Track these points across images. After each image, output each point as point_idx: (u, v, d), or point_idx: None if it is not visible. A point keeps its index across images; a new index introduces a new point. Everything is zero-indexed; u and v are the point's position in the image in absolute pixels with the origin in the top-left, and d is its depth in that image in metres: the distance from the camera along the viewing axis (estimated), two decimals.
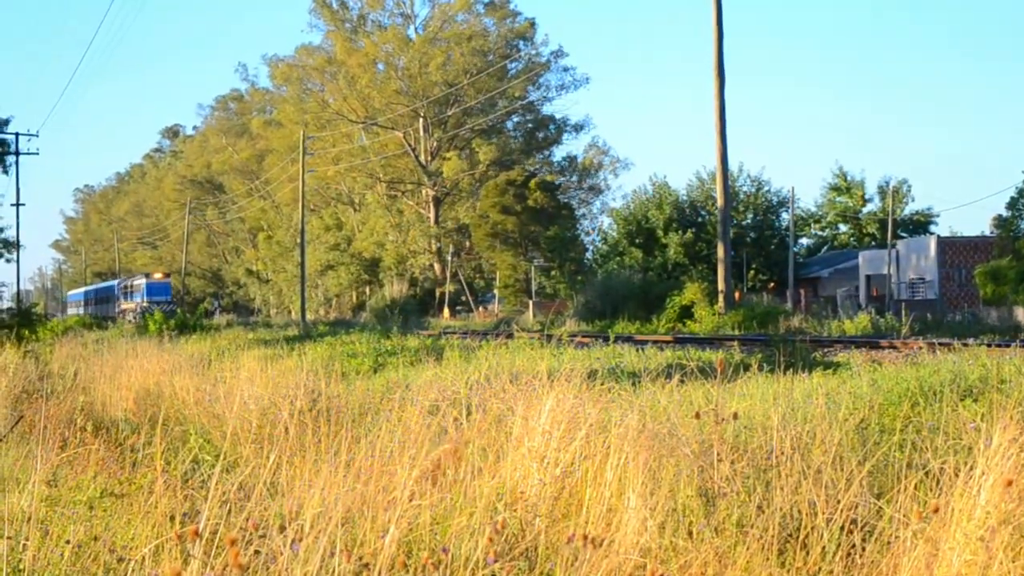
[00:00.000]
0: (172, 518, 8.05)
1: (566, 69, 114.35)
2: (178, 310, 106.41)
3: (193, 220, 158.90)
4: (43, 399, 18.62)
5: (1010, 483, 6.89)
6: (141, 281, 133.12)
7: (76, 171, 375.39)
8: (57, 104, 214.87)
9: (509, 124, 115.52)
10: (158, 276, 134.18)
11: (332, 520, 6.49)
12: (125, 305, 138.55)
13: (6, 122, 62.97)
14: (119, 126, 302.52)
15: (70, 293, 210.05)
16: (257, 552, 6.76)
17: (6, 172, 78.51)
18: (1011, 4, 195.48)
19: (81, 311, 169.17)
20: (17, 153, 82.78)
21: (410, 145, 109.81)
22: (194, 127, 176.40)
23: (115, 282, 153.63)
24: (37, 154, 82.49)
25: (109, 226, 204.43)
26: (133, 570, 7.07)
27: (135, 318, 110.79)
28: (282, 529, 6.83)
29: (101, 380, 25.51)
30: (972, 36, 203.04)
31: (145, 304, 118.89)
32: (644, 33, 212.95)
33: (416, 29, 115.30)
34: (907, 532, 7.26)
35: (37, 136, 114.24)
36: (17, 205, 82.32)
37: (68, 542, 9.44)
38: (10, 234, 76.32)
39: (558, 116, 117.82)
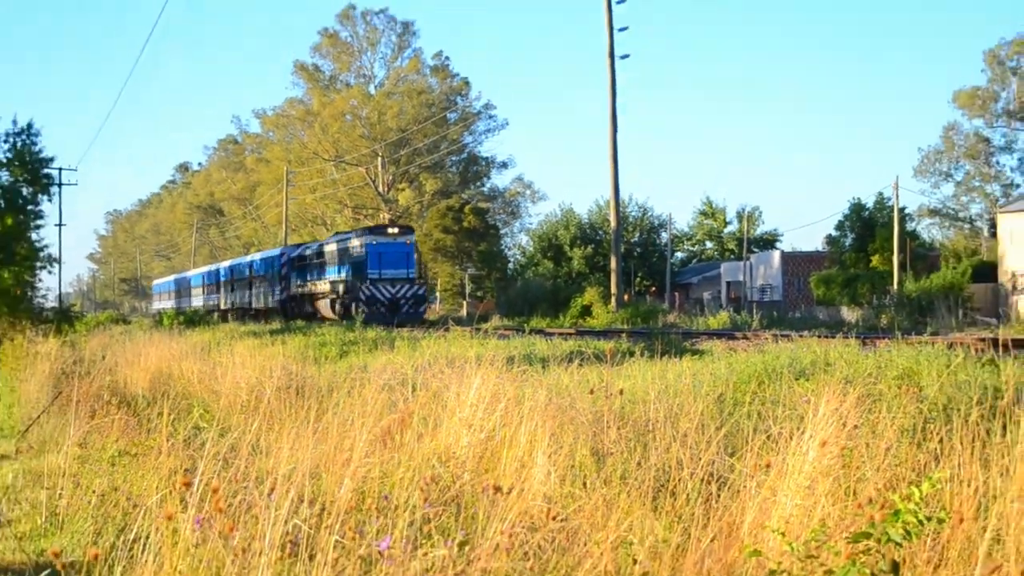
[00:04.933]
0: (175, 472, 7.98)
1: (492, 116, 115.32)
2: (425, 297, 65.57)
3: (199, 237, 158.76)
4: (77, 379, 18.43)
5: (824, 443, 6.93)
6: (356, 241, 63.26)
7: (107, 197, 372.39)
8: (92, 143, 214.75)
9: (449, 162, 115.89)
10: (392, 231, 63.72)
11: (299, 474, 6.46)
12: (310, 286, 71.92)
13: (51, 160, 62.13)
14: (141, 161, 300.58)
15: (155, 283, 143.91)
16: (242, 500, 6.71)
17: (50, 200, 77.51)
18: (844, 56, 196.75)
19: (176, 303, 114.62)
20: (60, 184, 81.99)
21: (371, 178, 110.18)
22: (199, 163, 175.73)
23: (277, 252, 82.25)
24: (76, 184, 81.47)
25: (132, 242, 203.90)
26: (144, 514, 7.00)
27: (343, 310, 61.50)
28: (259, 482, 6.80)
29: (124, 364, 25.28)
30: (812, 88, 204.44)
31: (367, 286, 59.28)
32: (557, 86, 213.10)
33: (375, 87, 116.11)
34: (752, 483, 7.27)
35: (76, 170, 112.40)
36: (60, 226, 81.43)
37: (94, 491, 9.40)
38: (53, 251, 75.39)
39: (487, 155, 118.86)
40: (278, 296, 78.52)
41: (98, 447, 11.79)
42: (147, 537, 6.58)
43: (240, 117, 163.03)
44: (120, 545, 7.06)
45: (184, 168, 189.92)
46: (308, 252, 75.13)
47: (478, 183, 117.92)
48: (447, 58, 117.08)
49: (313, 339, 34.31)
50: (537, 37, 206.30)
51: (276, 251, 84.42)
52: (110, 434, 12.72)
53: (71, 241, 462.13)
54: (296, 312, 73.26)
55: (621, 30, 53.95)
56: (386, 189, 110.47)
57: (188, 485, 6.18)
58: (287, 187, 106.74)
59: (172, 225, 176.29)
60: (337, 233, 76.74)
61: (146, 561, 6.30)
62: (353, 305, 59.76)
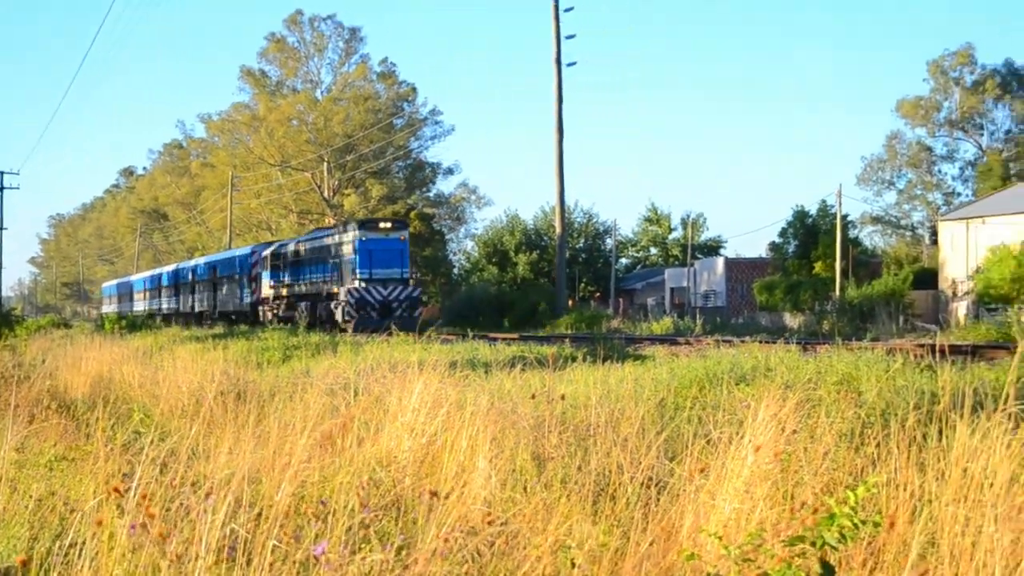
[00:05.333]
0: (113, 477, 7.92)
1: (438, 122, 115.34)
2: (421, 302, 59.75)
3: (142, 242, 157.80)
4: (16, 383, 18.26)
5: (758, 448, 6.96)
6: (343, 237, 55.90)
7: (50, 201, 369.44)
8: (36, 147, 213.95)
9: (395, 167, 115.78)
10: (384, 225, 55.78)
11: (237, 478, 6.44)
12: (286, 287, 64.62)
13: None
14: (85, 165, 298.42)
15: (105, 285, 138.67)
16: (180, 505, 6.68)
17: None
18: (785, 68, 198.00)
19: (138, 306, 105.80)
20: (2, 188, 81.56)
21: (316, 184, 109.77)
22: (144, 168, 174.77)
23: (247, 250, 74.82)
24: (18, 188, 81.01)
25: (75, 246, 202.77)
26: (80, 519, 6.96)
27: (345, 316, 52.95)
28: (197, 487, 6.77)
29: (64, 368, 25.13)
30: (757, 95, 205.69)
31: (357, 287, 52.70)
32: (503, 92, 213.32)
33: (322, 92, 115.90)
34: (691, 487, 7.30)
35: (18, 174, 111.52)
36: (0, 229, 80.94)
37: (31, 496, 9.32)
38: None
39: (433, 161, 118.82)
40: (247, 299, 71.25)
41: (36, 452, 11.68)
42: (83, 542, 6.55)
43: (185, 122, 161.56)
44: (56, 550, 7.01)
45: (128, 172, 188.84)
46: (285, 250, 66.79)
47: (424, 189, 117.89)
48: (394, 64, 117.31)
49: (256, 343, 34.14)
50: (484, 44, 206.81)
51: (246, 249, 76.87)
52: (48, 439, 12.62)
53: (13, 245, 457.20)
54: (271, 315, 66.64)
55: (568, 37, 54.32)
56: (332, 194, 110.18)
57: (117, 491, 6.13)
58: (232, 192, 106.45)
59: (115, 229, 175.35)
60: (319, 228, 70.20)
61: (82, 567, 6.28)
62: (340, 308, 53.91)
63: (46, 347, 35.94)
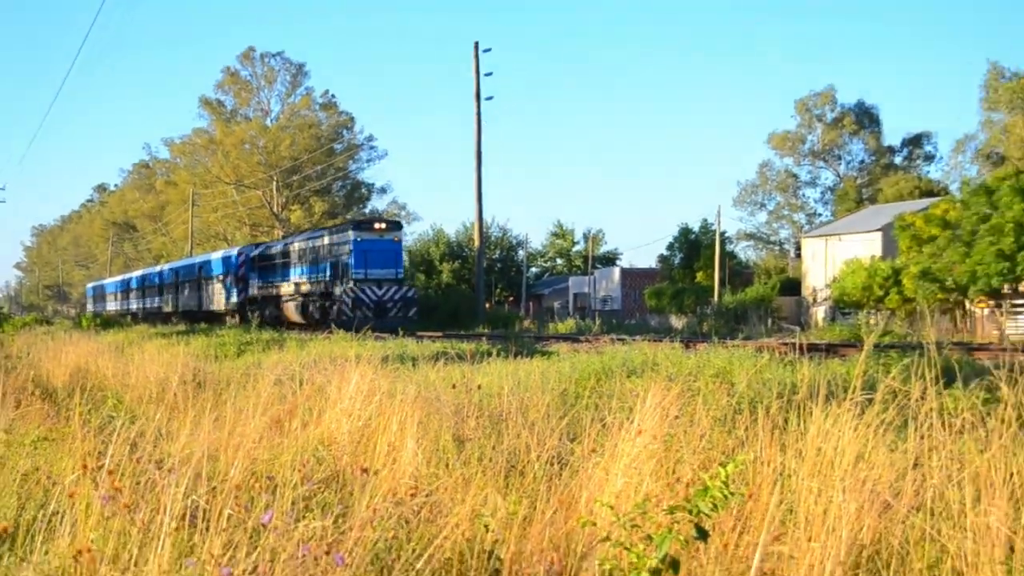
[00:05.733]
0: (89, 455, 7.85)
1: (373, 147, 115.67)
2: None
3: (114, 249, 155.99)
4: (3, 373, 17.99)
5: (640, 432, 7.02)
6: (337, 237, 50.92)
7: (33, 213, 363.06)
8: (19, 165, 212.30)
9: (336, 187, 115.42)
10: (379, 225, 50.63)
11: (196, 456, 6.40)
12: (275, 287, 58.70)
13: None
14: (64, 181, 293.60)
15: (91, 285, 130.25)
16: (147, 479, 6.64)
17: None
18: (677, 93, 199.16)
19: (127, 305, 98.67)
20: None
21: (267, 200, 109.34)
22: (115, 184, 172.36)
23: (233, 251, 68.05)
24: (4, 202, 79.74)
25: (55, 253, 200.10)
26: (61, 491, 6.90)
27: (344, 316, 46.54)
28: (159, 464, 6.73)
29: (46, 360, 24.76)
30: (650, 126, 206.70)
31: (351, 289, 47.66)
32: (434, 121, 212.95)
33: (271, 120, 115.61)
34: (588, 464, 7.34)
35: (3, 189, 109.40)
36: None
37: (18, 471, 9.21)
38: None
39: (369, 182, 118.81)
40: (235, 299, 64.21)
41: (21, 433, 11.51)
42: (64, 512, 6.51)
43: (151, 144, 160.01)
44: (40, 518, 6.95)
45: (101, 188, 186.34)
46: (273, 250, 60.36)
47: (360, 205, 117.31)
48: (334, 96, 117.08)
49: (214, 339, 33.88)
50: (415, 77, 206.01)
51: (232, 250, 69.77)
52: (32, 421, 12.44)
53: (0, 252, 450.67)
54: (260, 316, 55.49)
55: (487, 75, 54.17)
56: (280, 209, 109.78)
57: (86, 468, 6.10)
58: (192, 207, 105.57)
59: (90, 239, 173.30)
60: (314, 228, 63.12)
61: (63, 532, 6.26)
62: (335, 308, 47.99)
63: (30, 342, 35.39)
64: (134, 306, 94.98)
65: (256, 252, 63.06)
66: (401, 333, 33.37)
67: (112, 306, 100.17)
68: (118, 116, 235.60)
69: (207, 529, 5.45)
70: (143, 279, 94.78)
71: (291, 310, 54.71)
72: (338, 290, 47.97)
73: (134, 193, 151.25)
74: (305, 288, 53.12)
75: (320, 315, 49.59)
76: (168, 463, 6.52)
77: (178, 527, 5.50)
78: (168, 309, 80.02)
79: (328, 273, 49.86)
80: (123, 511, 5.77)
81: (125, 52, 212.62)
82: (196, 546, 5.35)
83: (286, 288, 56.24)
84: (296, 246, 55.77)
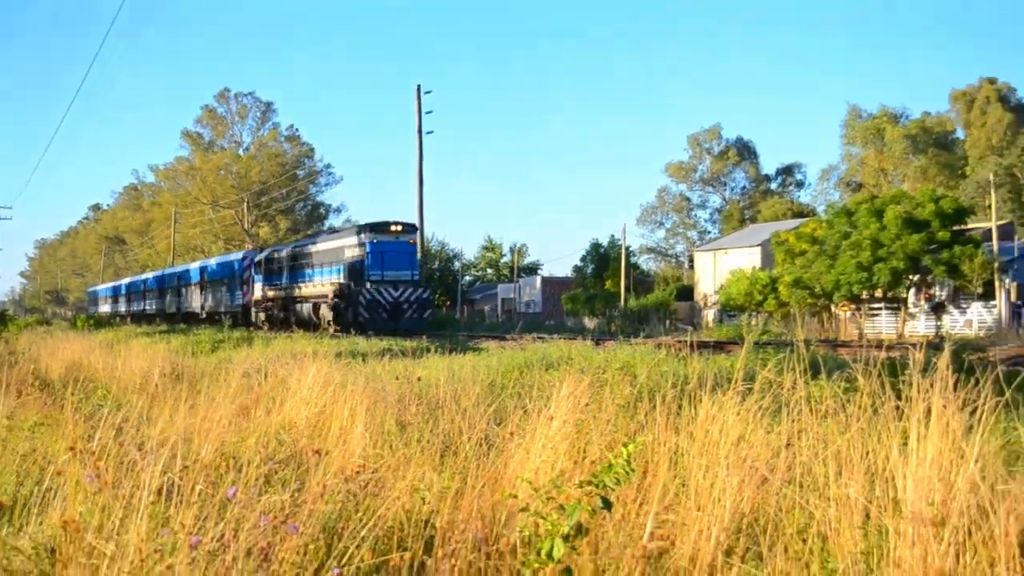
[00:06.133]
0: (80, 439, 7.71)
1: (331, 173, 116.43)
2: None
3: (106, 260, 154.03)
4: (7, 367, 17.63)
5: (551, 419, 7.02)
6: (352, 239, 44.00)
7: (36, 228, 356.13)
8: (25, 187, 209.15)
9: (298, 207, 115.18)
10: (395, 228, 43.12)
11: (173, 439, 6.31)
12: (285, 289, 51.82)
13: None
14: (63, 201, 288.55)
15: (93, 288, 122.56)
16: (131, 459, 6.54)
17: None
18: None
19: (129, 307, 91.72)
20: None
21: (238, 218, 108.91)
22: (108, 204, 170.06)
23: (239, 255, 61.99)
24: (11, 219, 78.35)
25: (55, 263, 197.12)
26: (55, 470, 6.78)
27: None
28: (140, 446, 6.63)
29: (46, 355, 24.33)
30: (567, 153, 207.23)
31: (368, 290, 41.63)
32: (383, 149, 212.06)
33: (243, 150, 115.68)
34: (512, 445, 7.33)
35: (11, 208, 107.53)
36: None
37: (18, 452, 9.03)
38: None
39: (327, 203, 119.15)
40: (239, 300, 57.75)
41: (21, 419, 11.30)
42: (57, 488, 6.42)
43: (139, 170, 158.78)
44: (36, 493, 6.83)
45: (96, 208, 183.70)
46: (280, 254, 53.32)
47: (320, 223, 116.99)
48: (297, 130, 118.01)
49: (191, 338, 33.51)
50: (368, 112, 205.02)
51: (238, 254, 62.88)
52: (31, 409, 12.22)
53: (7, 261, 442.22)
54: (263, 317, 53.55)
55: (427, 113, 53.94)
56: (250, 226, 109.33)
57: (74, 450, 5.99)
58: (174, 223, 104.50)
59: (86, 251, 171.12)
60: (321, 232, 53.59)
61: (56, 506, 6.16)
62: (350, 310, 42.08)
63: (31, 340, 34.77)
64: (132, 307, 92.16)
65: (262, 256, 56.42)
66: (353, 333, 33.01)
67: (116, 308, 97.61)
68: (111, 145, 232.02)
69: (181, 503, 5.37)
70: (146, 282, 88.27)
71: (302, 312, 48.53)
72: (354, 292, 42.17)
73: (124, 212, 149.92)
74: (317, 290, 47.06)
75: (334, 317, 43.81)
76: (148, 445, 6.42)
77: (155, 501, 5.41)
78: (172, 311, 73.28)
79: (343, 275, 44.00)
80: (107, 487, 5.67)
81: (117, 91, 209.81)
82: (171, 518, 5.26)
83: (296, 290, 49.97)
84: (308, 249, 49.52)
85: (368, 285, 41.69)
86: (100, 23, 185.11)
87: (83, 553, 5.14)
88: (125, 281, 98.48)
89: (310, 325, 44.83)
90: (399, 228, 43.14)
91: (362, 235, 43.10)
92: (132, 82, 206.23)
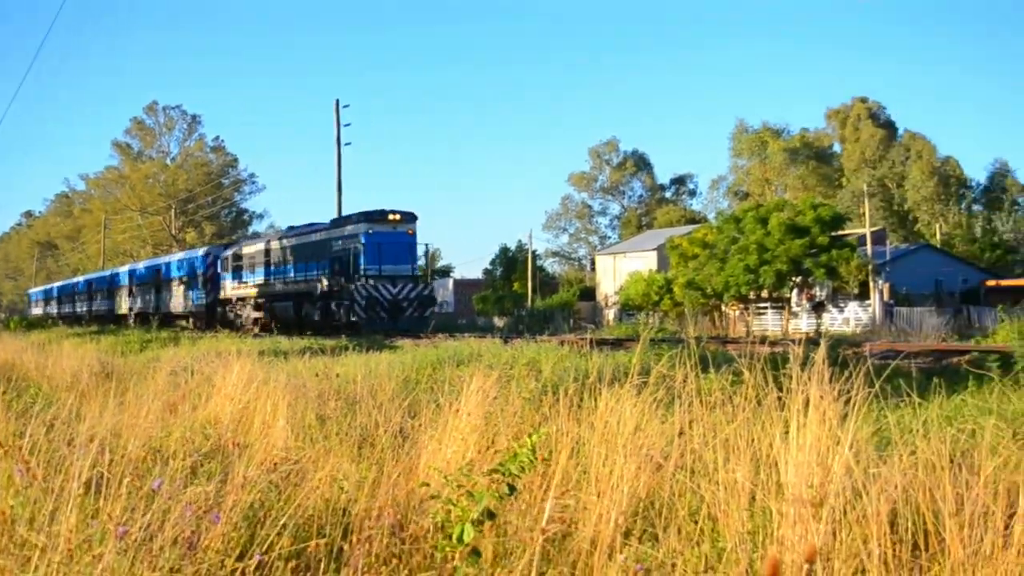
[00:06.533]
0: (11, 436, 7.51)
1: (254, 182, 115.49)
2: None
3: (38, 265, 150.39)
4: None
5: (457, 410, 7.03)
6: (345, 230, 36.79)
7: None
8: None
9: (224, 213, 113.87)
10: (393, 216, 35.64)
11: (102, 434, 6.18)
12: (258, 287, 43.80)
13: None
14: None
15: (32, 290, 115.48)
16: (61, 455, 6.39)
17: None
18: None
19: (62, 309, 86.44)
20: None
21: (166, 225, 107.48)
22: (40, 211, 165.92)
23: (201, 252, 53.43)
24: None
25: None
26: None
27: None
28: (70, 442, 6.47)
29: None
30: (478, 162, 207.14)
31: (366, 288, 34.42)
32: (305, 157, 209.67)
33: (171, 160, 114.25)
34: (425, 436, 7.31)
35: None
36: None
37: None
38: None
39: (251, 209, 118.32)
40: (201, 300, 50.37)
41: None
42: None
43: (70, 178, 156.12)
44: None
45: (28, 214, 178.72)
46: (252, 248, 45.54)
47: (244, 228, 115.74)
48: (223, 140, 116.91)
49: (120, 338, 32.86)
50: (290, 122, 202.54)
51: (199, 250, 55.30)
52: None
53: None
54: (232, 316, 46.59)
55: (346, 126, 53.40)
56: (177, 232, 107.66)
57: (4, 446, 5.82)
58: (104, 229, 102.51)
59: (18, 255, 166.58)
60: (308, 224, 42.97)
61: None
62: (342, 308, 35.42)
63: None
64: (64, 310, 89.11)
65: (229, 252, 48.60)
66: (276, 333, 32.52)
67: (48, 310, 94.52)
68: (44, 153, 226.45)
69: (109, 496, 5.26)
70: (76, 285, 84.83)
71: (279, 311, 41.75)
72: (347, 288, 35.47)
73: (56, 218, 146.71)
74: (299, 287, 39.87)
75: (321, 316, 37.38)
76: (78, 441, 6.27)
77: (84, 494, 5.29)
78: (123, 311, 64.93)
79: (330, 270, 37.19)
80: (37, 481, 5.53)
81: (48, 101, 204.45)
82: (100, 510, 5.15)
83: (270, 288, 42.80)
84: (287, 242, 42.27)
85: (364, 281, 35.04)
86: (36, 30, 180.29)
87: (15, 544, 5.01)
88: (57, 284, 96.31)
89: (292, 325, 39.41)
90: (397, 217, 36.25)
91: (356, 225, 36.31)
92: (62, 93, 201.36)
